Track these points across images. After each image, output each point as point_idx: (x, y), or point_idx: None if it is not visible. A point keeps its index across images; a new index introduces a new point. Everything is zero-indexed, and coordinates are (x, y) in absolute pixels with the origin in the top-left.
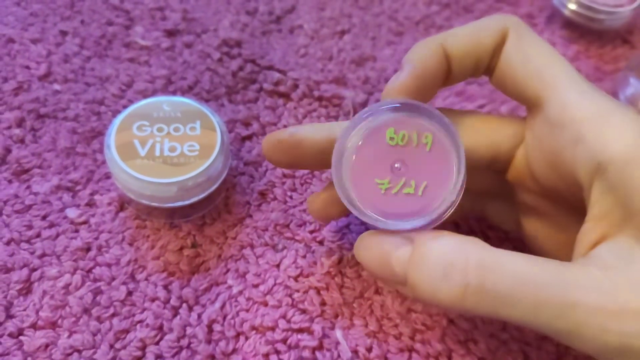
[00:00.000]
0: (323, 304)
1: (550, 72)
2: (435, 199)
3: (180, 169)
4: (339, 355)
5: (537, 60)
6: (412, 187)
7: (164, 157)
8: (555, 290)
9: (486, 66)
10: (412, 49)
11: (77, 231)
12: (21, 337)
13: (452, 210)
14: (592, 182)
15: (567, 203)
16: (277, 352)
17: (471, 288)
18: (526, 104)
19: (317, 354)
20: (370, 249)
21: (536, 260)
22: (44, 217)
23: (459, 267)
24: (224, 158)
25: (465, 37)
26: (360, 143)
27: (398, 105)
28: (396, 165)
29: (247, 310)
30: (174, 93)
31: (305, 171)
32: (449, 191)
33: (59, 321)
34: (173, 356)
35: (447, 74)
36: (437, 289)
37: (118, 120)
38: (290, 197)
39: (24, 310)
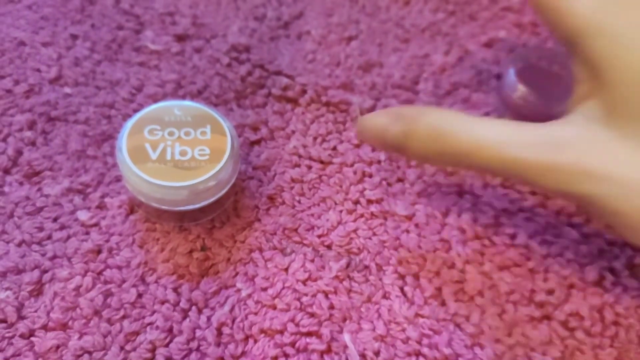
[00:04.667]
0: (331, 307)
1: None
2: None
3: (191, 172)
4: (347, 359)
5: None
6: None
7: (175, 161)
8: (506, 143)
9: None
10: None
11: (87, 233)
12: (32, 338)
13: None
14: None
15: None
16: (286, 355)
17: (448, 143)
18: None
19: (326, 357)
20: (374, 125)
21: (503, 121)
22: (55, 219)
23: (445, 137)
24: (233, 162)
25: None
26: None
27: None
28: None
29: (256, 314)
30: (183, 97)
31: (314, 176)
32: None
33: (70, 323)
34: (182, 358)
35: None
36: (424, 149)
37: (130, 123)
38: (299, 201)
39: (35, 311)
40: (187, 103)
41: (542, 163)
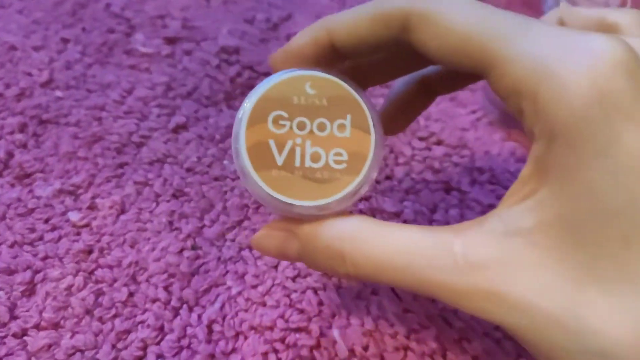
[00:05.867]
0: (320, 304)
1: (479, 43)
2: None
3: (323, 188)
4: (336, 354)
5: (456, 35)
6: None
7: (304, 168)
8: (413, 264)
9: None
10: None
11: (79, 234)
12: (25, 338)
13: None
14: (541, 151)
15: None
16: (276, 351)
17: (350, 266)
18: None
19: (315, 352)
20: (268, 246)
21: (413, 231)
22: (46, 221)
23: (338, 251)
24: (374, 173)
25: (349, 22)
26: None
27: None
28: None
29: (246, 311)
30: (173, 99)
31: None
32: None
33: (62, 322)
34: (174, 356)
35: (330, 52)
36: (327, 269)
37: (249, 104)
38: None
39: (28, 311)
40: (322, 75)
41: (453, 287)
